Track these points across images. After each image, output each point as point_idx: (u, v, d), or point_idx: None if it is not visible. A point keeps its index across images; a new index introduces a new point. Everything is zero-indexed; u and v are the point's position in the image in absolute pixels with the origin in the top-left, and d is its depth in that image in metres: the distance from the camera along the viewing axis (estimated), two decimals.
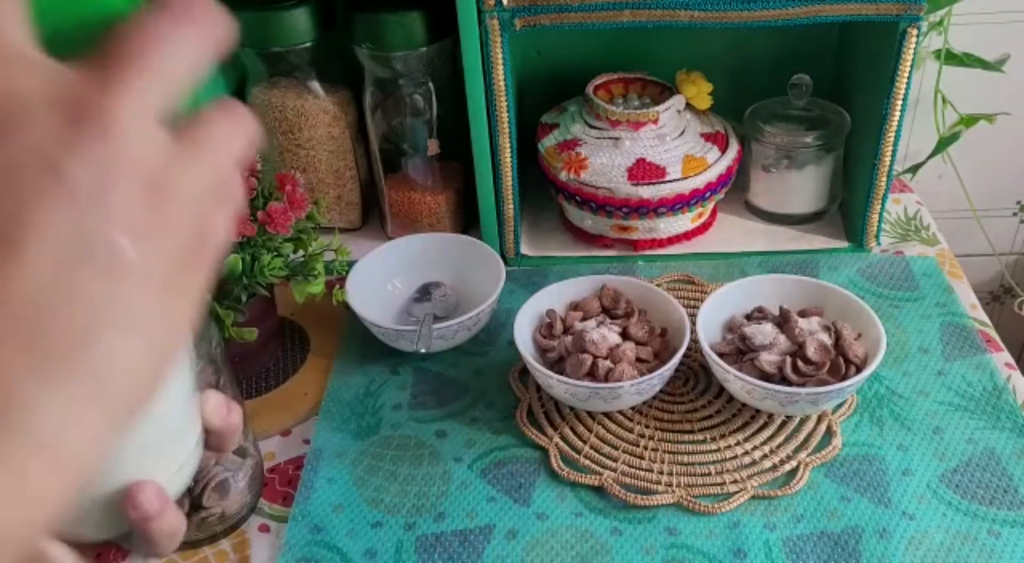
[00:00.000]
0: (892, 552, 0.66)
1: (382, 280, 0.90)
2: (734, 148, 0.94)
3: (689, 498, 0.70)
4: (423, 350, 0.80)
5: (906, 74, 0.82)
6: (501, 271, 0.85)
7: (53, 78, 0.27)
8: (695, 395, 0.80)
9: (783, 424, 0.76)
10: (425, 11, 0.86)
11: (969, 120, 1.09)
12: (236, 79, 0.94)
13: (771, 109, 0.96)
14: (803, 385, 0.73)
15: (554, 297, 0.83)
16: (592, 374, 0.75)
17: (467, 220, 1.00)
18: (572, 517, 0.71)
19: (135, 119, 0.27)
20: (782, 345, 0.76)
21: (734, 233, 0.98)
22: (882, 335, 0.74)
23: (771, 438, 0.75)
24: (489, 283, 0.85)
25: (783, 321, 0.77)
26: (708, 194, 0.92)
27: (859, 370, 0.73)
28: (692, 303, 0.88)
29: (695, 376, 0.81)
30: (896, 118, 0.84)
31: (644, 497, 0.71)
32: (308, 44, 0.89)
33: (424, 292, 0.90)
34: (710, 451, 0.74)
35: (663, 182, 0.89)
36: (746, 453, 0.74)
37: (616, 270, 0.94)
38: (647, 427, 0.77)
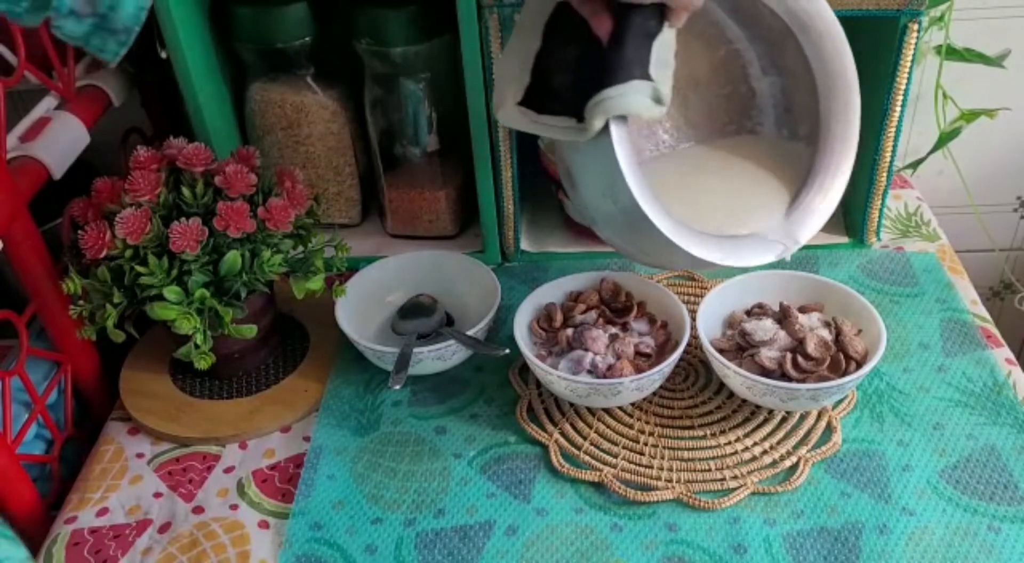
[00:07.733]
0: (892, 548, 0.66)
1: (375, 299, 0.88)
2: None
3: (689, 494, 0.70)
4: (396, 387, 0.77)
5: (907, 69, 0.82)
6: (496, 289, 0.83)
7: None
8: (695, 391, 0.80)
9: (783, 420, 0.76)
10: (425, 6, 0.86)
11: (970, 116, 1.09)
12: (235, 75, 0.94)
13: None
14: (803, 381, 0.73)
15: (553, 293, 0.83)
16: (592, 370, 0.75)
17: (467, 216, 1.00)
18: (572, 513, 0.71)
19: None
20: (782, 341, 0.76)
21: None
22: (882, 331, 0.74)
23: (771, 434, 0.75)
24: (484, 300, 0.84)
25: (783, 317, 0.77)
26: None
27: (859, 366, 0.73)
28: (692, 299, 0.88)
29: (695, 372, 0.81)
30: (896, 114, 0.84)
31: (644, 493, 0.71)
32: (307, 40, 0.89)
33: (413, 309, 0.86)
34: (710, 447, 0.74)
35: None
36: (746, 449, 0.74)
37: (616, 266, 0.94)
38: (647, 423, 0.77)
